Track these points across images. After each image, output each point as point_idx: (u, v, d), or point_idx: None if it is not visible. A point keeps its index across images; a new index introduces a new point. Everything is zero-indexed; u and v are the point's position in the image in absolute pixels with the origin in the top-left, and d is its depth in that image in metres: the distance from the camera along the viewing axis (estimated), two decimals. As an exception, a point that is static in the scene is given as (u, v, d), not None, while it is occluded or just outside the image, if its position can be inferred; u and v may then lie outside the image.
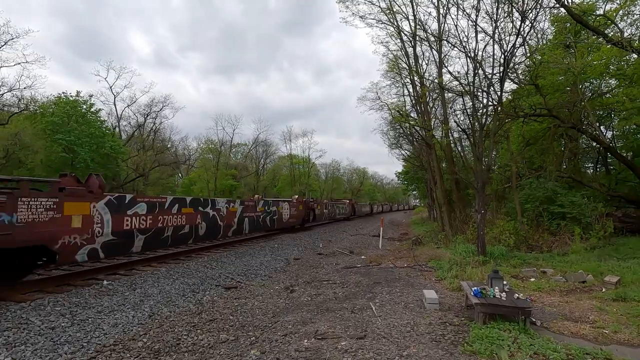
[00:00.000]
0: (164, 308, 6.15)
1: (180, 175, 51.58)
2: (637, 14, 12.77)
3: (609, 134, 19.76)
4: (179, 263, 10.11)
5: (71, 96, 26.42)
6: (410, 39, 17.30)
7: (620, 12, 12.44)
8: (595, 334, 4.77)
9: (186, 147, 52.04)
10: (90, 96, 28.55)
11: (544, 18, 14.51)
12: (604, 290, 6.96)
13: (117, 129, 36.73)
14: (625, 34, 12.05)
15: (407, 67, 18.46)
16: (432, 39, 15.72)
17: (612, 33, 11.71)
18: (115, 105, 36.76)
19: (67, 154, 23.71)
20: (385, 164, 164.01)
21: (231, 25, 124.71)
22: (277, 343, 4.59)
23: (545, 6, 11.12)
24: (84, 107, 26.75)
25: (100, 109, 29.26)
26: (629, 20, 13.25)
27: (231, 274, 8.99)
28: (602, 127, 18.01)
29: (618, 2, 12.57)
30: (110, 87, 36.10)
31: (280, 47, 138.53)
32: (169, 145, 46.17)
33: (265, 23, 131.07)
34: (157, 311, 5.97)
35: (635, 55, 11.51)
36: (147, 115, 39.54)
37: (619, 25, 12.56)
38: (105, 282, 7.48)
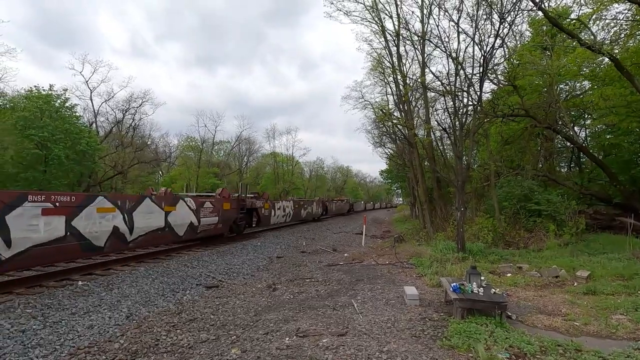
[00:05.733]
0: (143, 308, 6.01)
1: (160, 173, 50.33)
2: (608, 19, 13.26)
3: (582, 134, 20.59)
4: (158, 262, 9.90)
5: (44, 90, 25.31)
6: (394, 38, 17.45)
7: (594, 16, 12.89)
8: (567, 326, 4.96)
9: (167, 144, 50.77)
10: (65, 90, 27.32)
11: (522, 20, 14.90)
12: (575, 284, 7.25)
13: (94, 125, 35.48)
14: (598, 38, 12.52)
15: (391, 66, 18.61)
16: (416, 38, 15.92)
17: (585, 36, 12.14)
18: (91, 100, 35.39)
19: (40, 151, 22.74)
20: (369, 162, 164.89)
21: (211, 14, 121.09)
22: (258, 341, 4.56)
23: (523, 9, 11.41)
24: (58, 102, 25.68)
25: (75, 104, 28.11)
26: (600, 24, 13.71)
27: (212, 273, 8.87)
28: (575, 128, 18.72)
29: (591, 6, 13.02)
30: (87, 82, 34.38)
31: (265, 39, 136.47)
32: (148, 142, 44.92)
33: (248, 12, 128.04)
34: (135, 312, 5.83)
35: (606, 59, 11.97)
36: (126, 111, 38.32)
37: (592, 29, 13.04)
38: (80, 283, 7.25)
